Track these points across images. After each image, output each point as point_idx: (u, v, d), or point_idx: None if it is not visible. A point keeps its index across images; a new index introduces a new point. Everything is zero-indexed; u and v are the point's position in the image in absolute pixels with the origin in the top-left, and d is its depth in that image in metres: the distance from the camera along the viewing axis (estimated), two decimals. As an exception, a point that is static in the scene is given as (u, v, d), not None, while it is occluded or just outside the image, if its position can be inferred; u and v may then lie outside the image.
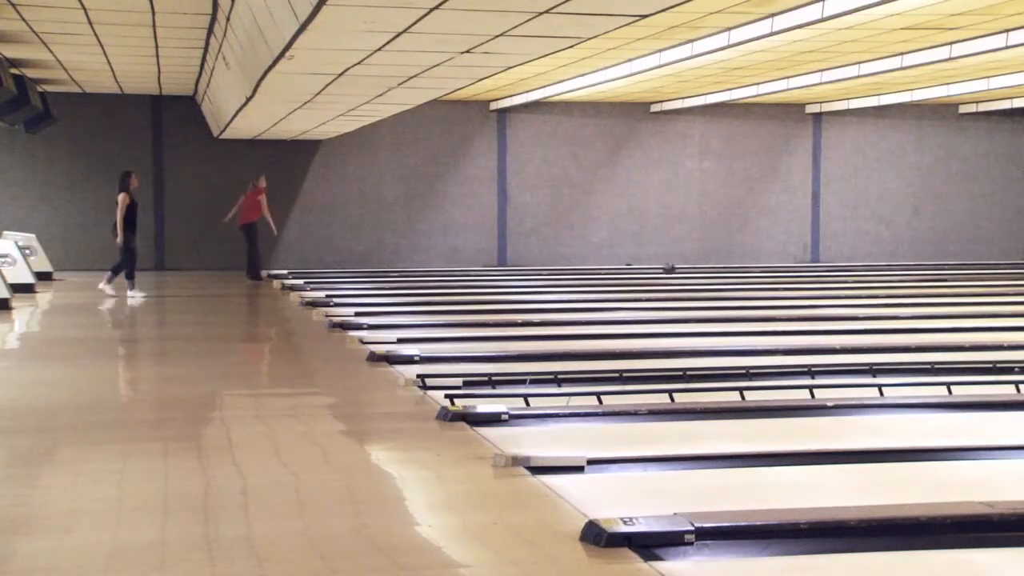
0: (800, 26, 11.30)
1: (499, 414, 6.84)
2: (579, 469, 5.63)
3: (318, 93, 11.94)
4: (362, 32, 7.88)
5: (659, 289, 16.87)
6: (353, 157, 20.84)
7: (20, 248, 16.05)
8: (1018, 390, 8.08)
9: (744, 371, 8.59)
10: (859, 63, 15.42)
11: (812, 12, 10.71)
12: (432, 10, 6.93)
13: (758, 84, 18.07)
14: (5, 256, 15.41)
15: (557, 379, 8.20)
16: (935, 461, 6.15)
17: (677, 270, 20.29)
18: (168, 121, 20.07)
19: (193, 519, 4.90)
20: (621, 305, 14.23)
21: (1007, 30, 12.58)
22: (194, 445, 6.52)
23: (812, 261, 22.69)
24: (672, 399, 7.46)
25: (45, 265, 17.65)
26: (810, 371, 8.69)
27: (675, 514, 4.58)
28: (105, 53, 14.20)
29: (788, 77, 17.17)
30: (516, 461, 5.66)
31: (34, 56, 14.53)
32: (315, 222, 20.78)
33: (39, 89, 17.32)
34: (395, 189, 21.10)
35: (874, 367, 8.87)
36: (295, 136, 19.02)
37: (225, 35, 11.18)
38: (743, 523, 4.65)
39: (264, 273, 18.60)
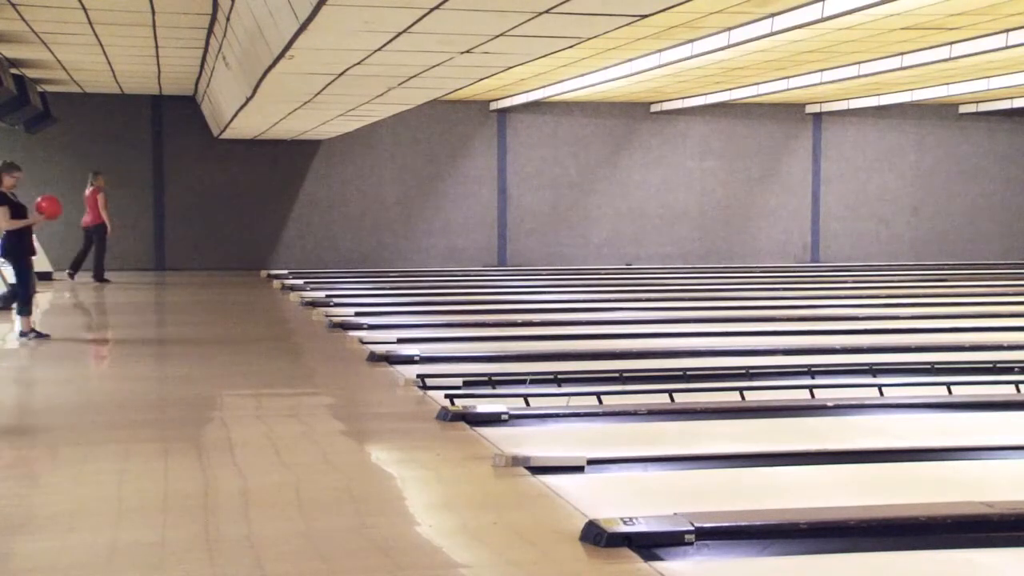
0: (800, 26, 11.30)
1: (499, 414, 6.85)
2: (579, 469, 5.64)
3: (318, 93, 11.94)
4: (362, 32, 7.88)
5: (659, 289, 16.86)
6: (353, 157, 20.84)
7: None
8: (1018, 390, 8.08)
9: (744, 371, 8.60)
10: (859, 63, 15.42)
11: (812, 12, 10.71)
12: (432, 10, 6.93)
13: (758, 84, 18.07)
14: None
15: (557, 379, 8.21)
16: (935, 461, 6.15)
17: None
18: (168, 121, 20.07)
19: (193, 519, 4.90)
20: (621, 305, 14.23)
21: (1007, 30, 12.58)
22: (194, 445, 6.52)
23: (812, 261, 22.70)
24: (672, 399, 7.46)
25: (45, 265, 17.63)
26: (810, 371, 8.69)
27: (675, 514, 4.59)
28: (105, 53, 14.20)
29: (788, 77, 17.16)
30: (516, 461, 5.66)
31: (34, 56, 14.52)
32: (315, 222, 20.78)
33: (39, 89, 17.32)
34: (395, 189, 21.11)
35: (874, 367, 8.88)
36: (295, 136, 19.02)
37: (225, 35, 11.18)
38: (743, 523, 4.65)
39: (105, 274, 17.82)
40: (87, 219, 17.85)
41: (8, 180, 11.08)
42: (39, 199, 11.45)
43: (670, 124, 22.12)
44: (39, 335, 10.89)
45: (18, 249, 11.04)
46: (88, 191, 17.82)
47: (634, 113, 21.84)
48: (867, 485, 5.70)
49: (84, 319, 13.64)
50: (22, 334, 10.90)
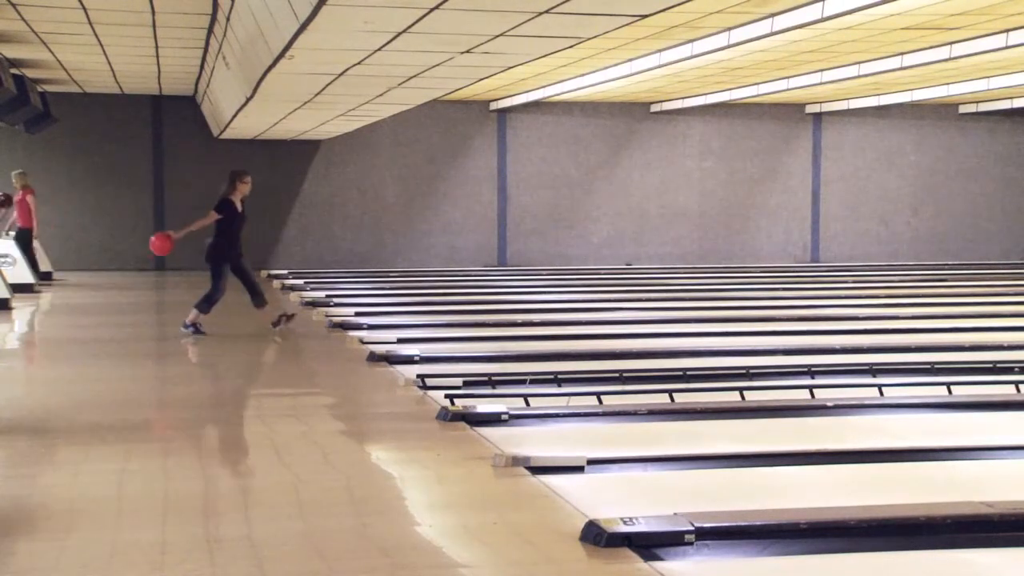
0: (800, 26, 11.29)
1: (499, 414, 6.85)
2: (579, 469, 5.63)
3: (318, 93, 11.94)
4: (362, 32, 7.88)
5: (659, 289, 16.87)
6: (353, 157, 20.84)
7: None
8: (1018, 390, 8.08)
9: (744, 371, 8.59)
10: (859, 63, 15.42)
11: (812, 12, 10.71)
12: (432, 10, 6.93)
13: (758, 84, 18.06)
14: (5, 256, 15.40)
15: (557, 379, 8.20)
16: (935, 461, 6.15)
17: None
18: (168, 121, 20.07)
19: (193, 519, 4.90)
20: (621, 305, 14.23)
21: (1007, 30, 12.58)
22: (194, 445, 6.52)
23: (812, 261, 22.70)
24: (672, 399, 7.46)
25: (45, 265, 17.63)
26: (810, 371, 8.69)
27: (675, 514, 4.58)
28: (105, 53, 14.20)
29: (788, 77, 17.16)
30: (516, 461, 5.66)
31: (34, 56, 14.52)
32: (315, 222, 20.78)
33: (39, 89, 17.31)
34: (395, 189, 21.11)
35: (874, 367, 8.87)
36: (295, 136, 19.02)
37: (225, 35, 11.18)
38: (743, 523, 4.65)
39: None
40: (21, 222, 16.90)
41: (242, 187, 11.21)
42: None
43: (670, 124, 22.12)
44: (197, 331, 11.04)
45: (221, 254, 11.16)
46: (18, 195, 16.90)
47: (634, 113, 21.84)
48: (867, 485, 5.70)
49: (84, 319, 13.64)
50: (185, 326, 11.13)
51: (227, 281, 11.25)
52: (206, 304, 11.16)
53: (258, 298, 11.35)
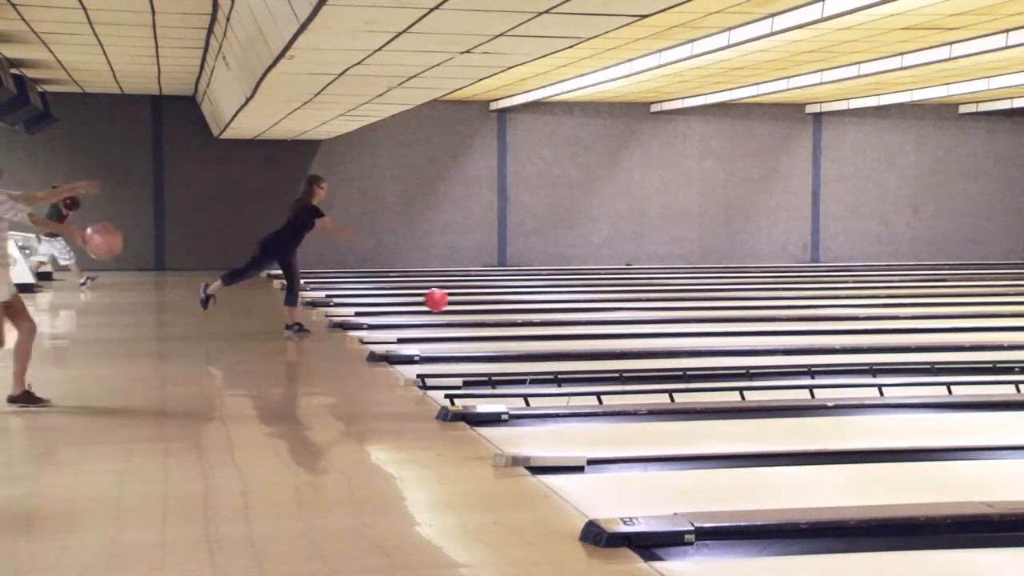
0: (800, 26, 11.30)
1: (499, 414, 6.85)
2: (579, 469, 5.63)
3: (318, 93, 11.94)
4: (362, 32, 7.89)
5: (659, 289, 16.86)
6: (353, 157, 20.84)
7: (20, 248, 16.03)
8: (1018, 390, 8.08)
9: (744, 371, 8.59)
10: (859, 63, 15.42)
11: (812, 12, 10.71)
12: (432, 10, 6.93)
13: (758, 84, 18.07)
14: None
15: (557, 379, 8.20)
16: (935, 461, 6.15)
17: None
18: (168, 121, 20.07)
19: (193, 519, 4.90)
20: (621, 305, 14.22)
21: (1007, 30, 12.58)
22: (194, 445, 6.52)
23: (812, 261, 22.70)
24: (672, 399, 7.46)
25: (45, 266, 17.63)
26: (810, 371, 8.69)
27: (675, 514, 4.58)
28: (105, 53, 14.21)
29: (788, 77, 17.17)
30: (516, 461, 5.66)
31: (34, 56, 14.53)
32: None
33: (39, 89, 17.32)
34: (395, 189, 21.11)
35: (874, 367, 8.87)
36: (295, 136, 19.02)
37: (225, 35, 11.19)
38: (743, 523, 4.65)
39: None
40: None
41: (319, 192, 11.39)
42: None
43: (670, 124, 22.12)
44: (205, 302, 11.27)
45: (273, 246, 11.36)
46: None
47: (634, 113, 21.84)
48: (867, 485, 5.69)
49: (84, 319, 13.64)
50: (203, 289, 11.36)
51: (260, 272, 11.32)
52: (229, 278, 11.34)
53: (292, 297, 11.34)
